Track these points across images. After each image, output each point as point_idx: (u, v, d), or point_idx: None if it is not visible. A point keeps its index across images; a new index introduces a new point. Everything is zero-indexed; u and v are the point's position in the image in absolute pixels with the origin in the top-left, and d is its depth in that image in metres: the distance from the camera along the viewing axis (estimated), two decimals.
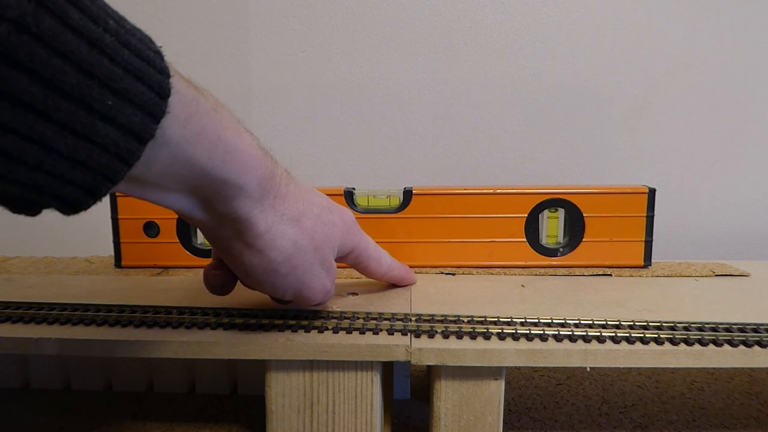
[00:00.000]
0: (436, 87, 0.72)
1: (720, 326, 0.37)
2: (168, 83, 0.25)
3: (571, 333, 0.36)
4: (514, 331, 0.36)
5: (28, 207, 0.25)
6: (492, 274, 0.51)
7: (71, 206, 0.25)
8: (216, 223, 0.32)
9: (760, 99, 0.71)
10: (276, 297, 0.38)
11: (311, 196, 0.36)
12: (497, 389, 0.36)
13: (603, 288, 0.47)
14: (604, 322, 0.37)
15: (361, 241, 0.40)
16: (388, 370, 0.44)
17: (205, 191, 0.30)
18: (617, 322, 0.37)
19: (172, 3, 0.70)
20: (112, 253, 0.53)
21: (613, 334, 0.36)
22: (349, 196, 0.51)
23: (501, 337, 0.36)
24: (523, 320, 0.38)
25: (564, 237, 0.52)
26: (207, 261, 0.52)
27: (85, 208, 0.25)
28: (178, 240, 0.52)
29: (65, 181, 0.23)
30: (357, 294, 0.44)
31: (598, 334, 0.36)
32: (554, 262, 0.52)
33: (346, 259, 0.41)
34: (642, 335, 0.36)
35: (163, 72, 0.25)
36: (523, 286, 0.47)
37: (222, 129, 0.28)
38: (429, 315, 0.39)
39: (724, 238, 0.74)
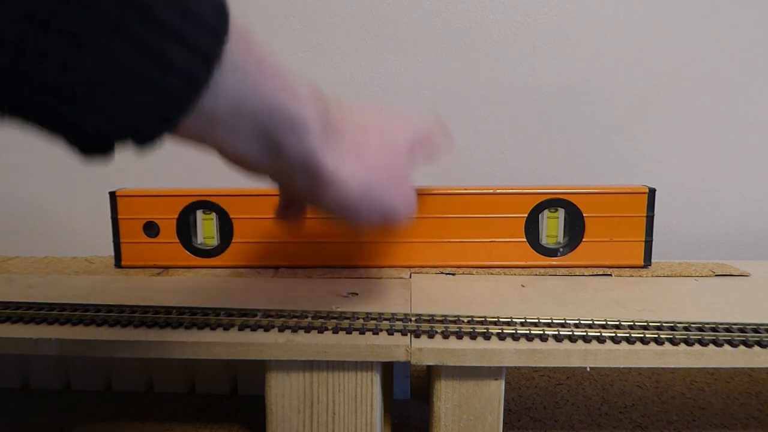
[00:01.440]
0: (436, 87, 0.72)
1: (720, 326, 0.37)
2: (226, 4, 0.25)
3: (571, 333, 0.36)
4: (514, 331, 0.36)
5: (100, 143, 0.24)
6: (492, 274, 0.51)
7: (144, 135, 0.24)
8: (288, 171, 0.31)
9: (760, 99, 0.71)
10: (364, 226, 0.36)
11: (366, 121, 0.35)
12: (497, 389, 0.36)
13: (603, 288, 0.47)
14: (604, 322, 0.37)
15: (420, 133, 0.39)
16: (388, 370, 0.44)
17: (275, 132, 0.29)
18: (617, 322, 0.37)
19: None
20: (112, 253, 0.53)
21: (613, 334, 0.36)
22: None
23: (501, 337, 0.36)
24: (523, 320, 0.38)
25: (564, 237, 0.52)
26: (207, 261, 0.52)
27: (158, 139, 0.25)
28: (178, 240, 0.52)
29: (138, 108, 0.23)
30: (357, 294, 0.44)
31: (598, 334, 0.36)
32: (554, 262, 0.52)
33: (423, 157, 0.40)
34: (642, 335, 0.36)
35: None
36: (523, 286, 0.47)
37: (277, 61, 0.28)
38: (429, 315, 0.39)
39: (724, 238, 0.74)
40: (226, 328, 0.37)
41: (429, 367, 0.37)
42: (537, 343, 0.35)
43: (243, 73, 0.26)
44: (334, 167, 0.31)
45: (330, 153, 0.31)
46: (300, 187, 0.32)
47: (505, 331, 0.36)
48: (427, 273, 0.51)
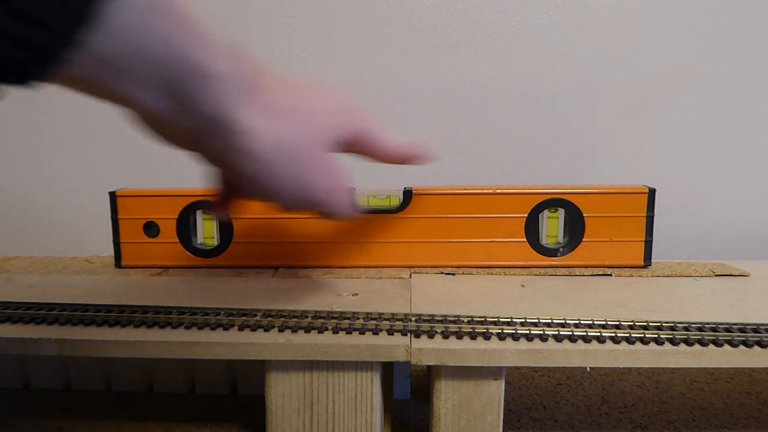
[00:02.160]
0: (436, 87, 0.71)
1: (720, 326, 0.37)
2: None
3: (571, 333, 0.36)
4: (514, 331, 0.36)
5: None
6: (492, 274, 0.51)
7: (25, 70, 0.22)
8: (201, 128, 0.29)
9: (760, 99, 0.71)
10: (282, 203, 0.35)
11: (296, 89, 0.33)
12: (497, 389, 0.36)
13: (603, 288, 0.47)
14: (604, 322, 0.37)
15: (363, 123, 0.37)
16: (388, 370, 0.44)
17: (181, 82, 0.27)
18: (617, 322, 0.37)
19: None
20: (112, 253, 0.53)
21: (613, 334, 0.36)
22: None
23: (501, 337, 0.36)
24: (523, 320, 0.38)
25: (564, 237, 0.52)
26: (207, 261, 0.52)
27: (44, 75, 0.23)
28: (178, 240, 0.52)
29: (17, 40, 0.21)
30: (357, 294, 0.44)
31: (598, 334, 0.36)
32: (554, 262, 0.52)
33: (354, 146, 0.38)
34: (642, 335, 0.36)
35: None
36: (523, 286, 0.47)
37: (181, 12, 0.26)
38: (429, 315, 0.39)
39: (724, 238, 0.74)
40: (226, 328, 0.37)
41: (429, 367, 0.37)
42: (537, 343, 0.35)
43: (141, 14, 0.24)
44: (249, 124, 0.29)
45: (245, 109, 0.29)
46: (214, 148, 0.30)
47: (505, 331, 0.36)
48: (427, 273, 0.51)
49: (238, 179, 0.32)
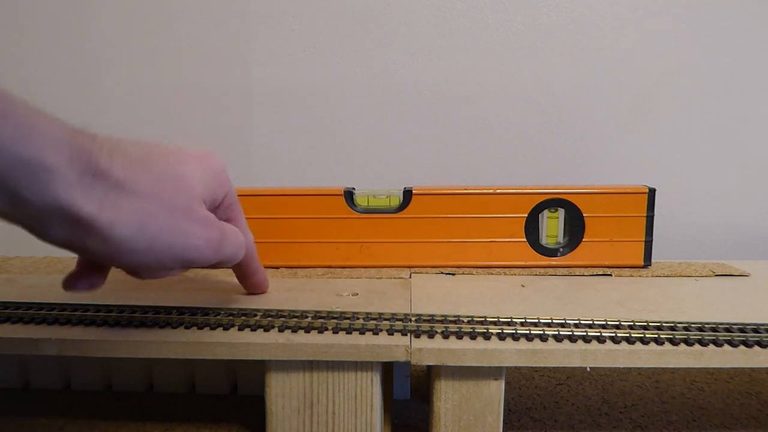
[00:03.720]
0: (436, 87, 0.71)
1: (720, 326, 0.37)
2: None
3: (571, 333, 0.36)
4: (514, 331, 0.36)
5: None
6: (492, 274, 0.51)
7: None
8: (40, 220, 0.28)
9: (760, 99, 0.71)
10: (167, 272, 0.35)
11: (151, 159, 0.32)
12: (497, 389, 0.36)
13: (603, 288, 0.47)
14: (604, 322, 0.37)
15: (231, 188, 0.38)
16: (388, 370, 0.44)
17: (8, 179, 0.26)
18: (617, 322, 0.37)
19: (173, 3, 0.70)
20: None
21: (613, 334, 0.36)
22: (349, 196, 0.51)
23: (501, 337, 0.36)
24: (523, 320, 0.38)
25: (564, 237, 0.52)
26: None
27: None
28: None
29: None
30: (357, 294, 0.44)
31: (598, 334, 0.36)
32: (554, 262, 0.52)
33: (221, 207, 0.38)
34: (642, 335, 0.36)
35: None
36: (523, 286, 0.47)
37: (6, 103, 0.25)
38: (429, 315, 0.39)
39: (724, 238, 0.74)
40: (226, 328, 0.37)
41: (429, 367, 0.37)
42: (537, 343, 0.35)
43: None
44: (95, 211, 0.28)
45: (87, 193, 0.28)
46: (62, 236, 0.29)
47: (505, 331, 0.36)
48: (427, 273, 0.51)
49: (101, 260, 0.32)
